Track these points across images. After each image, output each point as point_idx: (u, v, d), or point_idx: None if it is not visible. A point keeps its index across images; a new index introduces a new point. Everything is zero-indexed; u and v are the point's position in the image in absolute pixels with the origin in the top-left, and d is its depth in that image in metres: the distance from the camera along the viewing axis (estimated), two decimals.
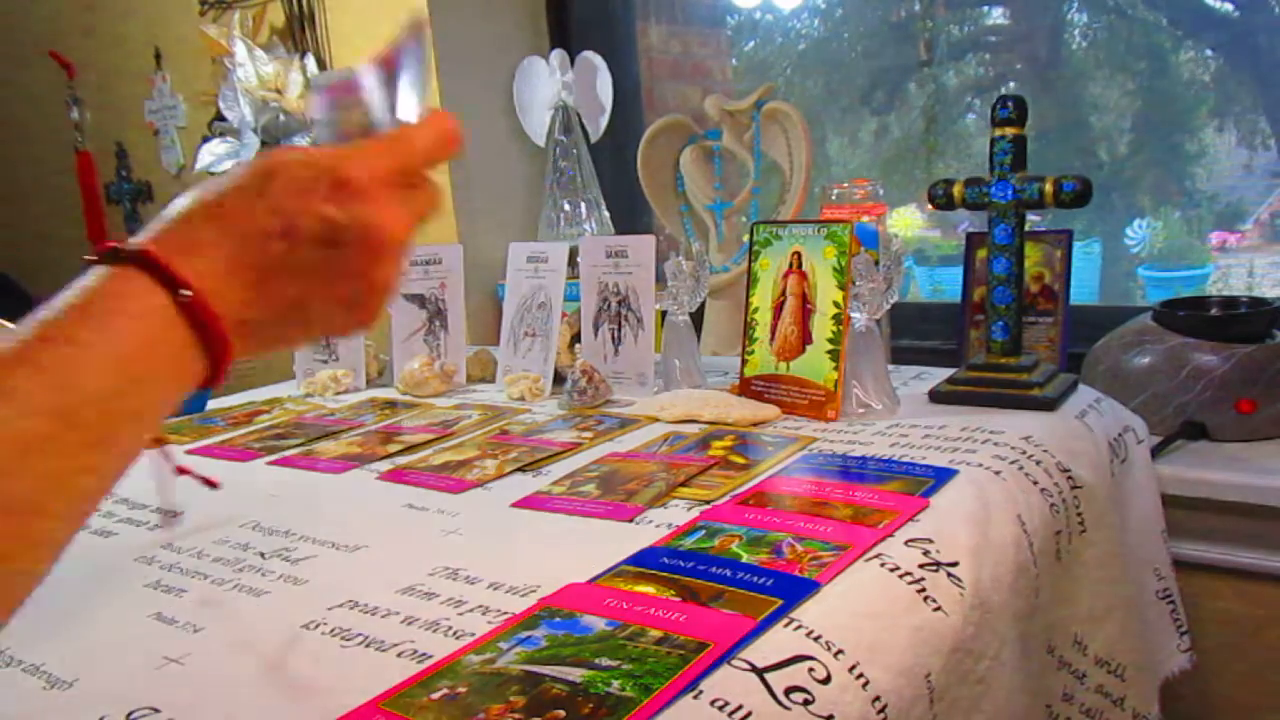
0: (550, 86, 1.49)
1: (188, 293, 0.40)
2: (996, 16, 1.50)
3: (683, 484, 0.73)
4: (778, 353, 0.94)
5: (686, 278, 1.01)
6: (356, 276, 0.44)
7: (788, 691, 0.45)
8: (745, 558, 0.58)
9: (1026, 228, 0.90)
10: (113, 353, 0.39)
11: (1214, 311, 1.06)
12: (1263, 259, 1.37)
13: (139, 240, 0.41)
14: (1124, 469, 0.87)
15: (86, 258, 0.41)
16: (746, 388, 0.96)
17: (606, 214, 1.47)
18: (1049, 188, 0.85)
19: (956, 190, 0.91)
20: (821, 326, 0.90)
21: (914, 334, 1.37)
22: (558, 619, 0.51)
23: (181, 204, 0.43)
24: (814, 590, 0.53)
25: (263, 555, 0.67)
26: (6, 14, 2.11)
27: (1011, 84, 1.48)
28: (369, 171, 0.44)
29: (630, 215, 1.60)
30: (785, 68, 1.69)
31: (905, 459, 0.75)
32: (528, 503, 0.73)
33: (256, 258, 0.42)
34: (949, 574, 0.58)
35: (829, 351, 0.90)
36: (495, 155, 1.58)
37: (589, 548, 0.62)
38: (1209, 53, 1.34)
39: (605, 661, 0.45)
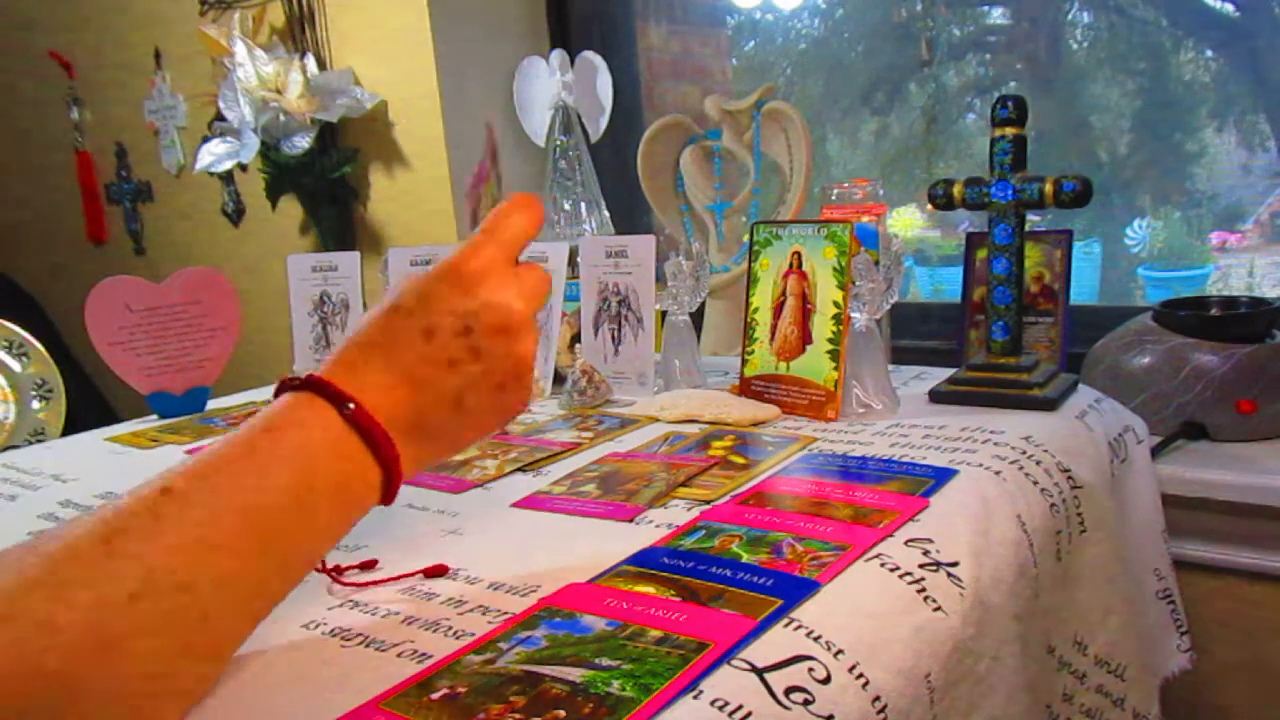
0: (550, 86, 1.49)
1: (351, 405, 0.47)
2: (996, 16, 1.50)
3: (683, 484, 0.73)
4: (778, 353, 0.94)
5: (686, 278, 1.01)
6: (500, 356, 0.51)
7: (788, 691, 0.45)
8: (745, 558, 0.58)
9: (1026, 228, 0.90)
10: (289, 461, 0.45)
11: (1214, 311, 1.06)
12: (1263, 259, 1.37)
13: (316, 370, 0.49)
14: (1124, 469, 0.87)
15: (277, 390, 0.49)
16: (746, 388, 0.96)
17: (606, 214, 1.47)
18: (1049, 188, 0.85)
19: (956, 190, 0.91)
20: (821, 326, 0.90)
21: (914, 334, 1.37)
22: (558, 619, 0.51)
23: (347, 336, 0.51)
24: (814, 590, 0.53)
25: None
26: (6, 14, 2.11)
27: (1012, 84, 1.48)
28: (479, 261, 0.51)
29: (630, 215, 1.60)
30: (785, 68, 1.69)
31: (905, 459, 0.75)
32: (528, 503, 0.73)
33: (408, 361, 0.49)
34: (949, 574, 0.58)
35: (829, 351, 0.90)
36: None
37: (589, 548, 0.62)
38: (1209, 53, 1.34)
39: (605, 661, 0.45)
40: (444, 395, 0.50)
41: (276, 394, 0.49)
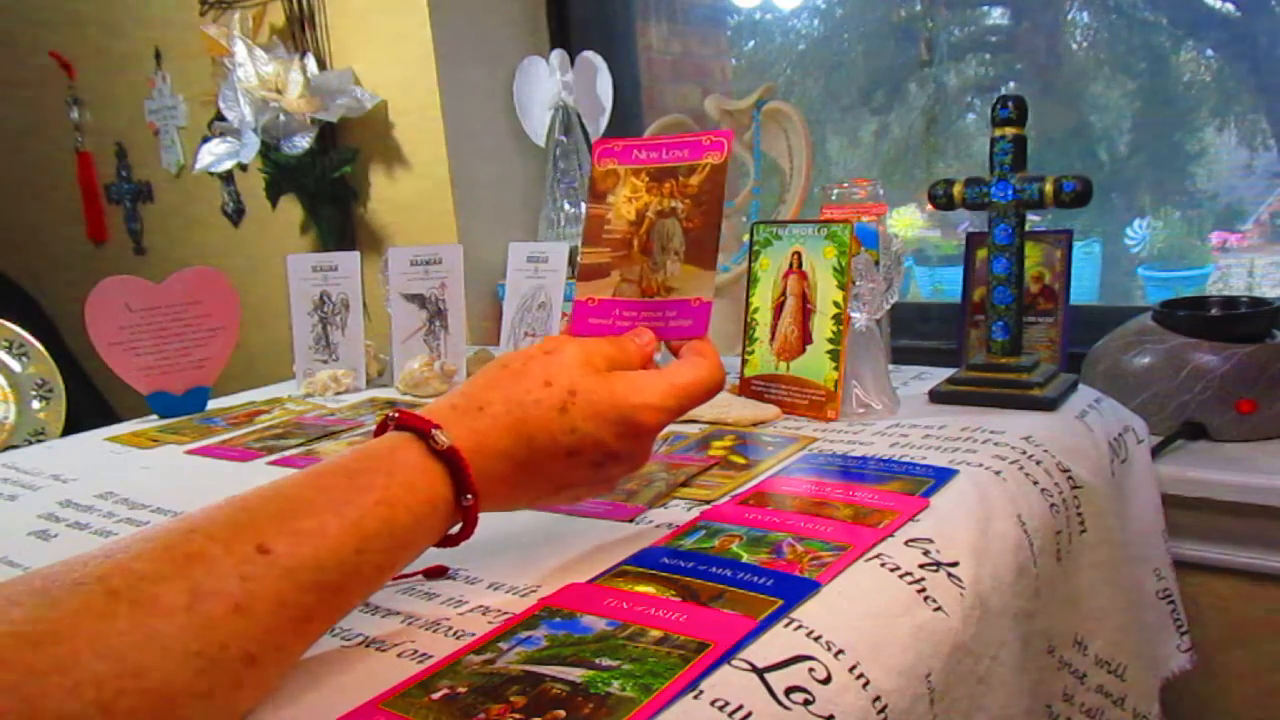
0: (550, 86, 1.49)
1: (470, 497, 0.49)
2: (997, 16, 1.50)
3: (683, 484, 0.73)
4: (778, 353, 0.94)
5: None
6: (608, 481, 0.56)
7: (788, 691, 0.45)
8: (745, 558, 0.58)
9: (1026, 228, 0.90)
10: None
11: (1214, 311, 1.06)
12: (1263, 259, 1.37)
13: (434, 404, 0.51)
14: (1124, 469, 0.87)
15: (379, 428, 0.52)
16: (746, 388, 0.96)
17: None
18: (1049, 188, 0.85)
19: (956, 190, 0.91)
20: (821, 326, 0.90)
21: (914, 334, 1.37)
22: (558, 619, 0.51)
23: (481, 375, 0.53)
24: (814, 590, 0.53)
25: None
26: (6, 14, 2.11)
27: (1012, 84, 1.48)
28: (657, 421, 0.53)
29: None
30: (785, 68, 1.69)
31: (905, 459, 0.75)
32: None
33: (537, 463, 0.51)
34: (949, 574, 0.58)
35: (829, 351, 0.90)
36: (495, 155, 1.58)
37: (589, 548, 0.62)
38: (1209, 53, 1.34)
39: (605, 661, 0.45)
40: (544, 488, 0.54)
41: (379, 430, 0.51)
